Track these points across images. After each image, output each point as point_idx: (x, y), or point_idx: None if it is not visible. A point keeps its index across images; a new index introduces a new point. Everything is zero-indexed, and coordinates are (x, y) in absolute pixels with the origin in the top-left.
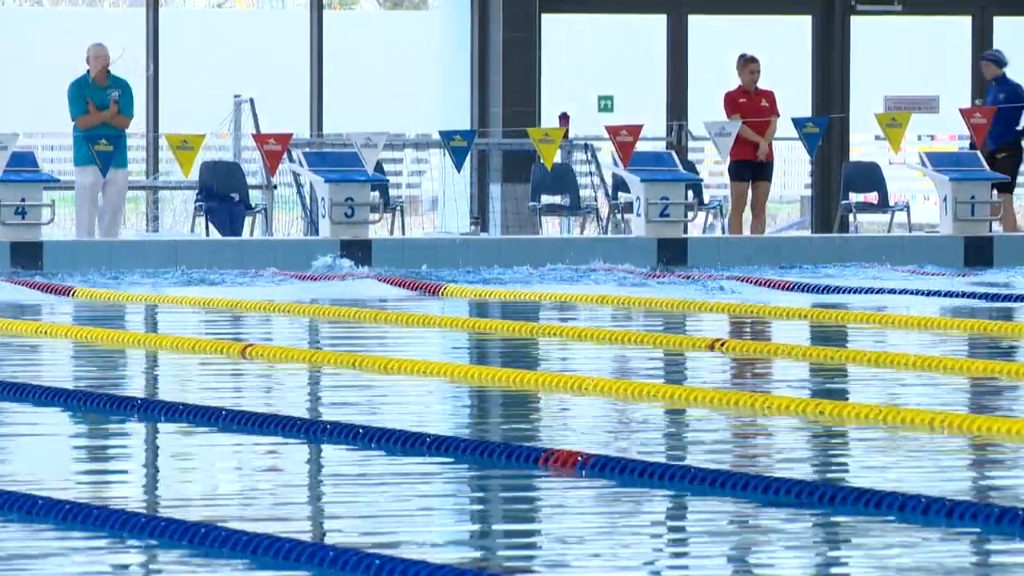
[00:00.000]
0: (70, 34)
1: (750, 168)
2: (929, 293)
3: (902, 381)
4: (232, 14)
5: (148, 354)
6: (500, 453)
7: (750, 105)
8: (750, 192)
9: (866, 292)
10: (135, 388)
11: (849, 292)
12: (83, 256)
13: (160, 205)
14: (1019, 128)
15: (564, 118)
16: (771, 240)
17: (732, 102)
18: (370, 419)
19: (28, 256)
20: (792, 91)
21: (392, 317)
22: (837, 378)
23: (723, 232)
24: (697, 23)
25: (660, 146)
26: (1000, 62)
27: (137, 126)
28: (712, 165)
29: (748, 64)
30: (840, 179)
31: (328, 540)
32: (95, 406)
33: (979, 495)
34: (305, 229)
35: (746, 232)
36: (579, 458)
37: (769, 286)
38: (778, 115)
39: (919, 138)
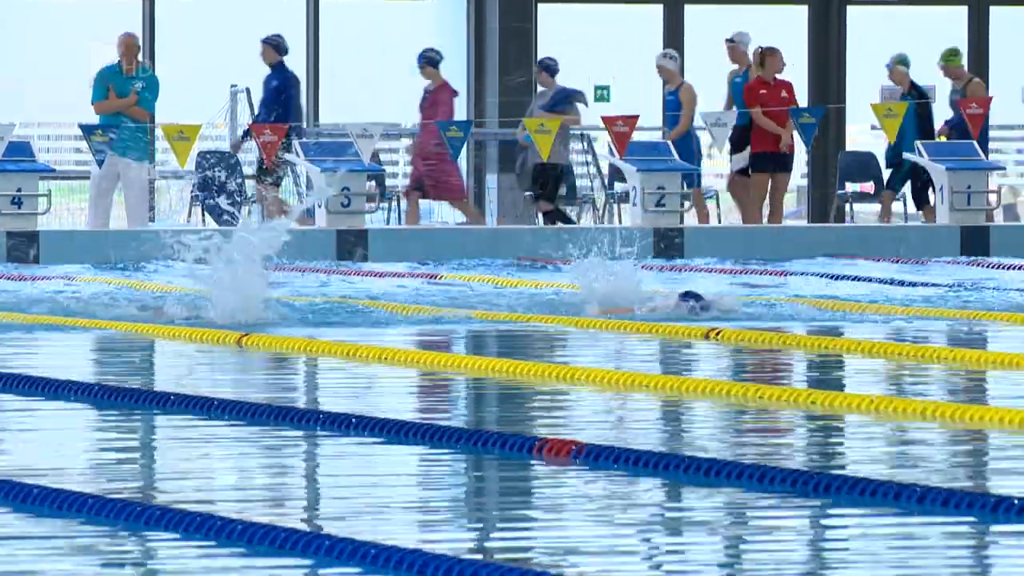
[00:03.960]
0: (67, 24)
1: (771, 160)
2: (924, 284)
3: (895, 371)
4: (228, 3)
5: (144, 343)
6: (495, 442)
7: (770, 96)
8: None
9: (863, 280)
10: (132, 378)
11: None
12: (79, 246)
13: (156, 195)
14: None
15: None
16: (767, 230)
17: (752, 94)
18: (364, 409)
19: (24, 246)
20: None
21: (387, 307)
22: (831, 368)
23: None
24: (693, 13)
25: (656, 136)
26: (280, 48)
27: None
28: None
29: (775, 52)
30: (836, 169)
31: (323, 529)
32: (91, 396)
33: (973, 484)
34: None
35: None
36: (573, 447)
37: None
38: (796, 105)
39: None
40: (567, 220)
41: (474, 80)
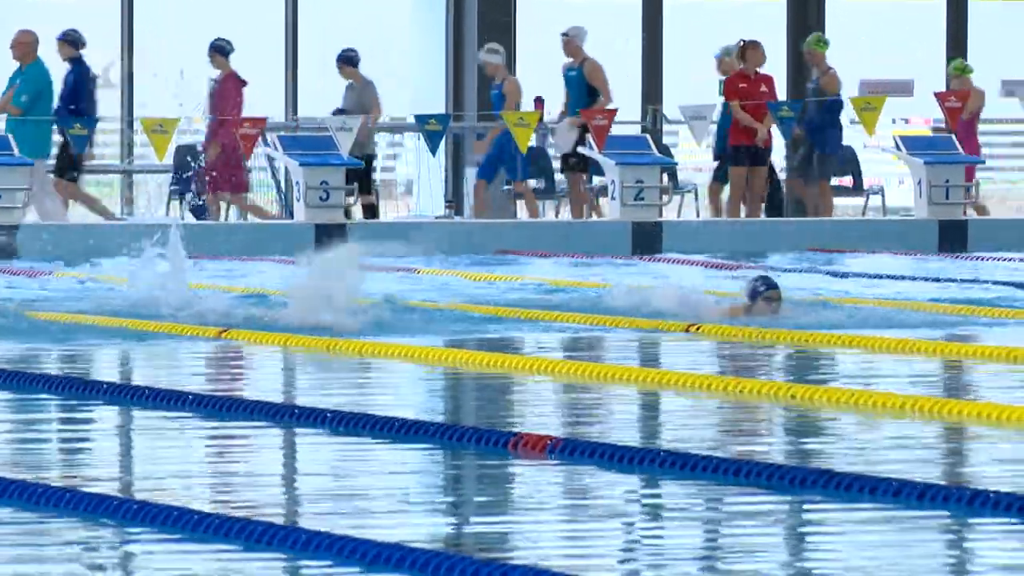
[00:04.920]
0: (48, 17)
1: (748, 154)
2: (901, 277)
3: (874, 365)
4: None
5: (126, 337)
6: (471, 437)
7: (750, 90)
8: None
9: (840, 276)
10: (109, 371)
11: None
12: (59, 240)
13: (135, 189)
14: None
15: (539, 102)
16: (746, 224)
17: (732, 87)
18: (342, 403)
19: (3, 239)
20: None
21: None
22: (811, 362)
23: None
24: (672, 6)
25: (635, 130)
26: (76, 43)
27: (111, 109)
28: (687, 148)
29: (756, 48)
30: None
31: (301, 523)
32: (71, 390)
33: (950, 478)
34: (280, 213)
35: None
36: (549, 442)
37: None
38: (775, 99)
39: (893, 121)
40: (375, 214)
41: (453, 73)
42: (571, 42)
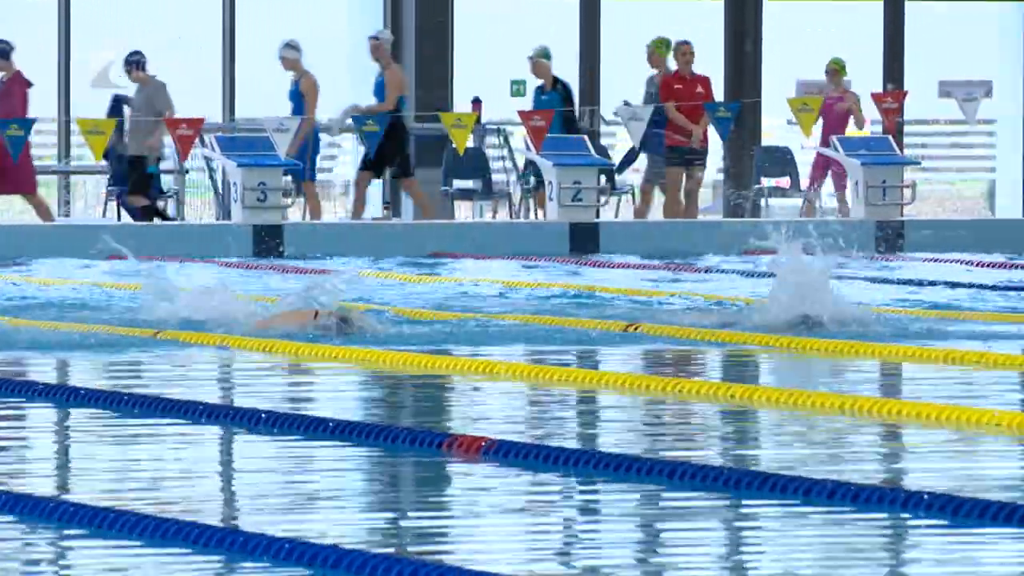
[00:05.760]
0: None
1: (684, 154)
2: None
3: (812, 365)
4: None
5: (62, 336)
6: (405, 439)
7: (685, 91)
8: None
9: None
10: (44, 372)
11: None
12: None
13: (72, 190)
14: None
15: (476, 103)
16: (682, 225)
17: (667, 88)
18: (278, 405)
19: None
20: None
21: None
22: (749, 362)
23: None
24: (610, 7)
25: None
26: None
27: (48, 110)
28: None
29: (680, 47)
30: (752, 164)
31: (238, 525)
32: (4, 391)
33: (886, 479)
34: (217, 214)
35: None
36: (483, 443)
37: None
38: (712, 100)
39: None
40: (165, 216)
41: None
42: (379, 46)
